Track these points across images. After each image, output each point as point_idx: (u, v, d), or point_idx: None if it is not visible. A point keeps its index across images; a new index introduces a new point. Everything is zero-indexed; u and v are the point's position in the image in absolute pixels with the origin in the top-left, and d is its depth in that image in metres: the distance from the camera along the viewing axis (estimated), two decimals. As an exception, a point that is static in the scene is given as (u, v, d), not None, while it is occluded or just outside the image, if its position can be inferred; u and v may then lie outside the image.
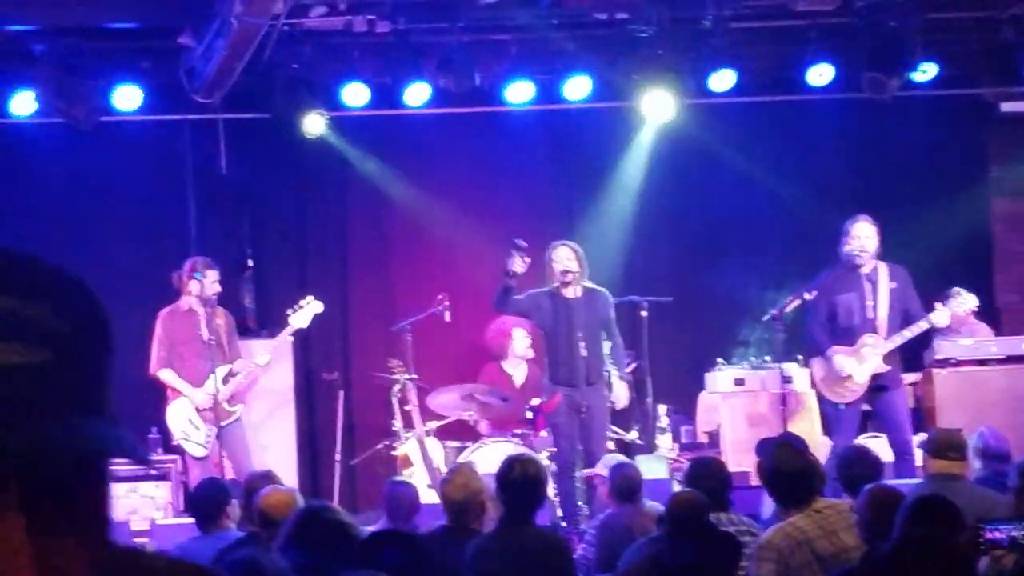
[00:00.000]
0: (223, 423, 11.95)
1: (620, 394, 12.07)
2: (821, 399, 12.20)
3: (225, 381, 12.04)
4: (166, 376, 12.09)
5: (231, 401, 12.09)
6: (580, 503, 11.67)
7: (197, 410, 12.00)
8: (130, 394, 12.89)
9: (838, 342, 11.92)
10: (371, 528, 7.86)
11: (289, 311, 12.37)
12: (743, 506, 8.46)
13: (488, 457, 11.72)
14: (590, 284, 11.97)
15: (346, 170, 14.11)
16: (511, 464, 7.11)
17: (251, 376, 12.38)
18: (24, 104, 13.06)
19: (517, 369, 13.43)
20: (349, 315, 14.15)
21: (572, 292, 11.83)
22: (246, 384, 12.40)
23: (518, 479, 7.00)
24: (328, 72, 13.33)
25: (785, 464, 7.09)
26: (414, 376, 12.58)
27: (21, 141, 13.52)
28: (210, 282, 12.07)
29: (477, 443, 12.46)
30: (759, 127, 14.50)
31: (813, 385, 12.33)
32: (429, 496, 11.43)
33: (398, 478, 11.24)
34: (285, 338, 12.55)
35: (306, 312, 12.39)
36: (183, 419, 12.02)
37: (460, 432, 12.90)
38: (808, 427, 12.13)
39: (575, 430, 11.74)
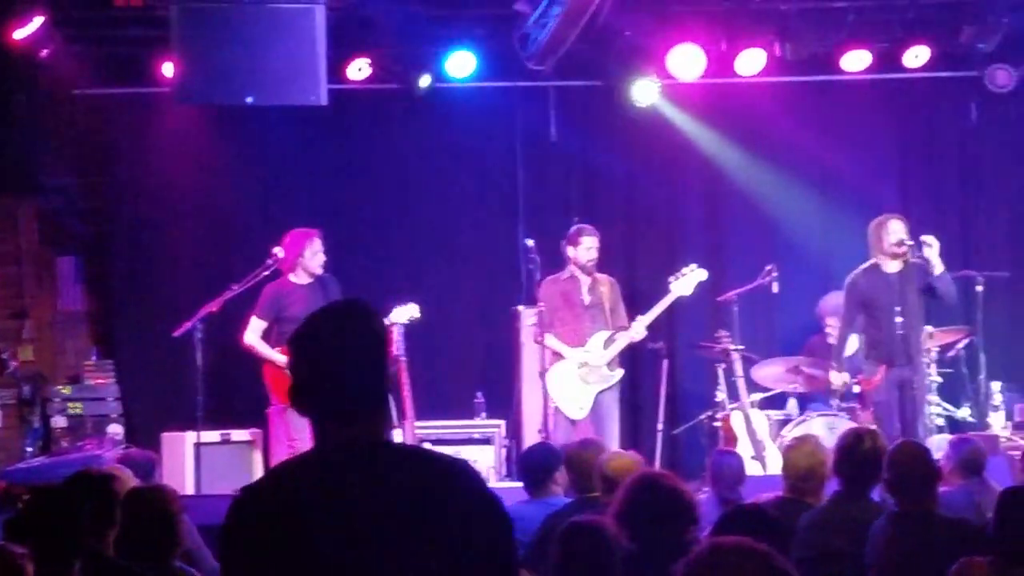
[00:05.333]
0: (602, 387, 11.98)
1: None
2: None
3: (605, 346, 12.02)
4: (548, 341, 12.04)
5: (611, 365, 12.07)
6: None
7: (579, 369, 12.00)
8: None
9: None
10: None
11: (671, 278, 12.21)
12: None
13: (815, 430, 11.52)
14: (912, 259, 11.60)
15: (677, 139, 13.97)
16: (860, 437, 6.91)
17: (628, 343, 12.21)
18: (360, 70, 13.30)
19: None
20: (676, 284, 14.03)
21: (895, 266, 11.53)
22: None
23: (868, 452, 6.82)
24: (661, 39, 13.24)
25: None
26: (740, 347, 12.42)
27: (356, 107, 13.76)
28: (584, 248, 12.03)
29: (802, 415, 12.27)
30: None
31: None
32: (753, 468, 11.32)
33: (724, 448, 11.15)
34: (663, 307, 12.21)
35: (689, 280, 12.16)
36: (562, 382, 11.98)
37: (786, 404, 12.72)
38: None
39: (895, 407, 11.48)
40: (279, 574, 3.38)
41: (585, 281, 12.10)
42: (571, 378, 11.95)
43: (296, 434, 11.39)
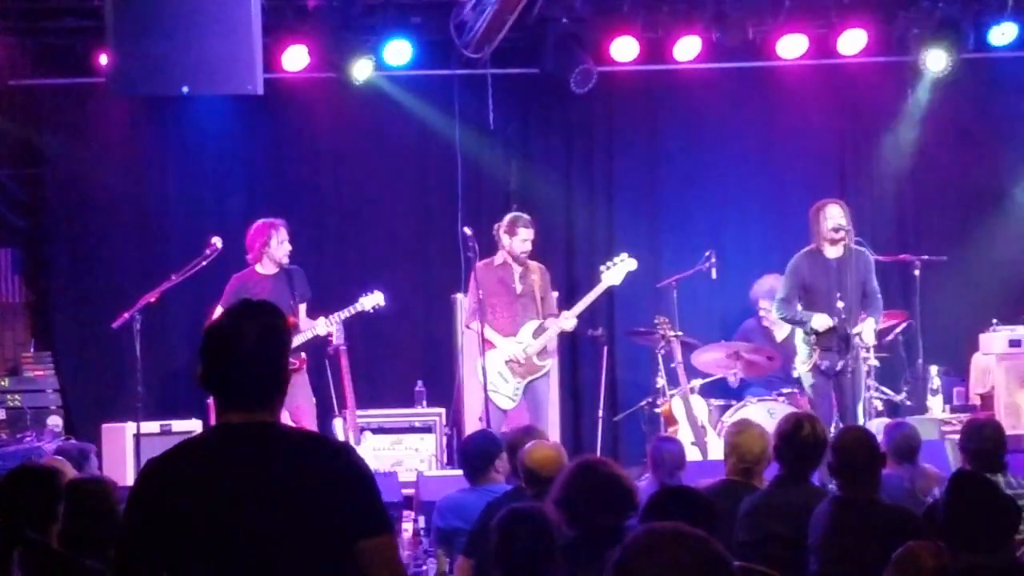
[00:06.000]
0: (531, 377, 11.96)
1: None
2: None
3: (535, 336, 12.01)
4: (476, 327, 12.01)
5: (540, 355, 12.05)
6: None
7: (507, 362, 12.01)
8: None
9: None
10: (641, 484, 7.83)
11: (603, 267, 12.22)
12: (1017, 470, 8.19)
13: (754, 416, 11.56)
14: (852, 244, 11.63)
15: (614, 125, 14.04)
16: (800, 422, 6.95)
17: (558, 331, 12.14)
18: (297, 59, 13.24)
19: (777, 325, 13.13)
20: (615, 271, 14.06)
21: (835, 251, 11.57)
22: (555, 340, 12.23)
23: (808, 438, 6.86)
24: (598, 27, 13.26)
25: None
26: (679, 333, 12.44)
27: (293, 95, 13.70)
28: (520, 240, 11.94)
29: (742, 401, 12.31)
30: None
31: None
32: (693, 453, 11.36)
33: (664, 434, 11.18)
34: (594, 296, 12.21)
35: (619, 269, 12.14)
36: (492, 371, 11.86)
37: (725, 390, 12.76)
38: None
39: (828, 391, 11.55)
40: (171, 535, 3.89)
41: (517, 269, 12.06)
42: (499, 368, 11.94)
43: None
